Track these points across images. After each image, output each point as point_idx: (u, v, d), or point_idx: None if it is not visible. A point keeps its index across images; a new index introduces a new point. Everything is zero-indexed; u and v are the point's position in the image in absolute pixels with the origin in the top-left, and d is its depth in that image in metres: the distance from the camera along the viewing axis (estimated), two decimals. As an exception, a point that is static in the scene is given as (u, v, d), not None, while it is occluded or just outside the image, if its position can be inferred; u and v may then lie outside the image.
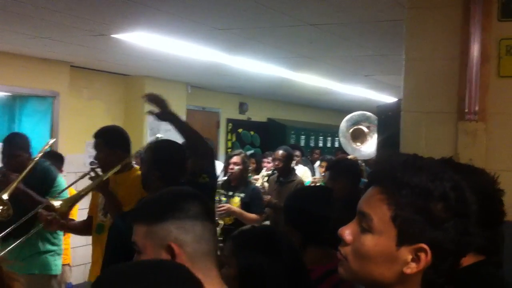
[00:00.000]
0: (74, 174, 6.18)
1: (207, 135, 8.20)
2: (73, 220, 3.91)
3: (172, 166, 2.89)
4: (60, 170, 4.61)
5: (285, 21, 3.71)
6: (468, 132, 2.39)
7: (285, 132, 10.30)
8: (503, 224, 1.63)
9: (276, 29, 4.01)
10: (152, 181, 2.80)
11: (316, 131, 11.40)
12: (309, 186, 5.52)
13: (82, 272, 5.41)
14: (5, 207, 3.49)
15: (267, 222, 5.20)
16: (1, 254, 3.18)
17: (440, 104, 2.52)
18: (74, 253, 5.39)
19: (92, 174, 3.26)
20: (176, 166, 2.94)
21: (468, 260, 1.47)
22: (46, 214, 3.28)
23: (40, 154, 3.92)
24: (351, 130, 5.48)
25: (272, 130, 10.31)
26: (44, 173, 3.90)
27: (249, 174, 5.30)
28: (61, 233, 4.07)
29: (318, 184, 6.26)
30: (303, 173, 7.02)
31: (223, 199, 4.77)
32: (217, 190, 4.71)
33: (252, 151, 8.50)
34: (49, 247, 3.97)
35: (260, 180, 5.79)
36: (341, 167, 3.65)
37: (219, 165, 5.22)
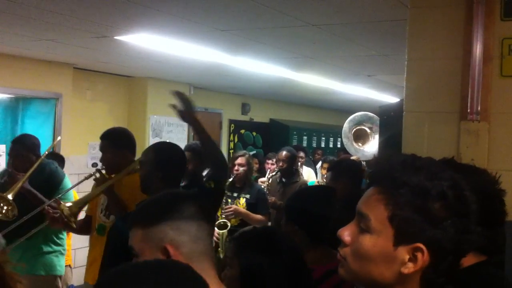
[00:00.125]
0: (77, 175, 6.20)
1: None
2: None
3: (173, 167, 2.90)
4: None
5: (287, 22, 3.71)
6: (470, 132, 2.39)
7: (287, 133, 10.30)
8: (504, 224, 1.63)
9: (278, 30, 4.01)
10: (154, 182, 2.80)
11: (319, 131, 11.39)
12: (313, 186, 5.51)
13: (83, 273, 5.42)
14: (10, 207, 3.50)
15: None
16: (6, 252, 3.17)
17: (442, 104, 2.52)
18: (75, 255, 5.40)
19: (98, 175, 3.26)
20: (177, 167, 2.96)
21: (469, 261, 1.47)
22: (52, 211, 3.30)
23: (46, 153, 3.94)
24: (353, 131, 5.48)
25: (275, 130, 10.31)
26: (51, 175, 3.92)
27: (253, 175, 5.31)
28: (64, 233, 4.08)
29: None
30: (308, 174, 7.02)
31: (228, 200, 4.77)
32: (225, 192, 4.73)
33: (254, 152, 8.50)
34: (54, 247, 3.98)
35: (266, 182, 5.76)
36: (343, 168, 3.65)
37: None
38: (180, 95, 3.00)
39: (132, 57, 5.44)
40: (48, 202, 3.46)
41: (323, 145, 11.37)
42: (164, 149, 3.00)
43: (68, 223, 3.25)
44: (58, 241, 4.00)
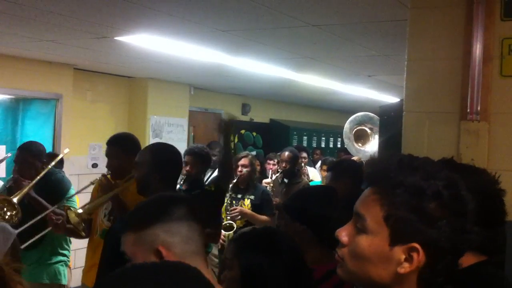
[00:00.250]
0: (77, 176, 6.21)
1: (210, 136, 8.22)
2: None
3: (171, 168, 2.90)
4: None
5: (287, 22, 3.71)
6: (470, 132, 2.39)
7: (288, 133, 10.30)
8: (505, 224, 1.63)
9: (278, 30, 4.01)
10: (152, 184, 2.80)
11: (319, 131, 11.39)
12: (315, 186, 5.52)
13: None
14: (14, 212, 3.49)
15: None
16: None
17: (442, 104, 2.52)
18: (75, 256, 5.40)
19: (103, 180, 3.26)
20: (174, 168, 2.96)
21: (469, 261, 1.47)
22: (55, 217, 3.29)
23: (53, 163, 3.94)
24: (354, 131, 5.48)
25: (275, 131, 10.30)
26: (57, 184, 3.92)
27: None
28: (70, 243, 4.08)
29: None
30: (313, 174, 7.03)
31: (233, 202, 4.76)
32: (230, 193, 4.73)
33: (254, 152, 8.50)
34: (59, 257, 3.98)
35: (271, 183, 5.75)
36: (343, 168, 3.65)
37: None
38: (232, 122, 3.11)
39: (133, 57, 5.44)
40: (55, 207, 3.45)
41: (323, 145, 11.36)
42: (161, 150, 2.99)
43: (75, 230, 3.22)
44: (64, 251, 4.01)
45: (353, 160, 5.05)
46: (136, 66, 6.28)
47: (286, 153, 5.73)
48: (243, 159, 4.88)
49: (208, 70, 6.15)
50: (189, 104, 7.95)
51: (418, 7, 2.59)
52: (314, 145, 10.93)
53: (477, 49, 2.38)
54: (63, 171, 4.14)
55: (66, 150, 4.16)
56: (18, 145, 6.02)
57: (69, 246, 4.08)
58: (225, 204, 4.70)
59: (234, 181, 4.82)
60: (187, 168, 4.22)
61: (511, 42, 2.38)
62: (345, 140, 5.56)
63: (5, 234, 2.78)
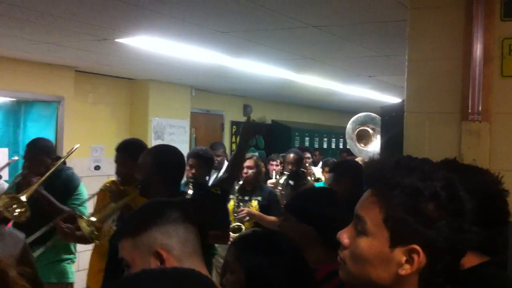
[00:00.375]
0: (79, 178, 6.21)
1: (212, 138, 8.23)
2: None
3: (173, 170, 2.90)
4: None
5: (287, 23, 3.71)
6: (471, 132, 2.39)
7: (289, 134, 10.29)
8: (508, 224, 1.63)
9: (278, 31, 4.01)
10: (154, 186, 2.79)
11: (320, 132, 11.39)
12: (319, 187, 5.52)
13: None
14: (23, 210, 3.48)
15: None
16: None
17: (443, 104, 2.52)
18: (79, 258, 5.39)
19: (114, 187, 3.25)
20: (177, 170, 2.95)
21: (472, 261, 1.47)
22: (64, 226, 3.28)
23: (62, 160, 3.93)
24: (356, 131, 5.48)
25: (277, 132, 10.30)
26: (66, 181, 3.91)
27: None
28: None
29: None
30: (318, 174, 7.03)
31: (240, 204, 4.75)
32: (237, 195, 4.72)
33: (256, 154, 8.50)
34: (67, 255, 3.98)
35: (279, 186, 5.73)
36: (344, 168, 3.65)
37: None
38: (256, 125, 3.12)
39: (134, 59, 5.45)
40: (67, 213, 3.45)
41: (325, 146, 11.36)
42: (162, 152, 2.99)
43: (83, 237, 3.18)
44: (71, 249, 4.00)
45: (354, 161, 5.05)
46: (137, 68, 6.29)
47: (292, 155, 5.74)
48: (248, 161, 4.86)
49: (209, 71, 6.16)
50: (191, 105, 7.96)
51: (417, 8, 2.59)
52: (316, 145, 10.92)
53: (478, 50, 2.38)
54: (72, 168, 4.12)
55: (77, 146, 4.13)
56: (20, 147, 6.06)
57: (75, 244, 4.08)
58: (233, 206, 4.70)
59: (240, 183, 4.80)
60: (192, 171, 4.21)
61: (511, 42, 2.39)
62: (348, 141, 5.56)
63: (14, 239, 2.79)
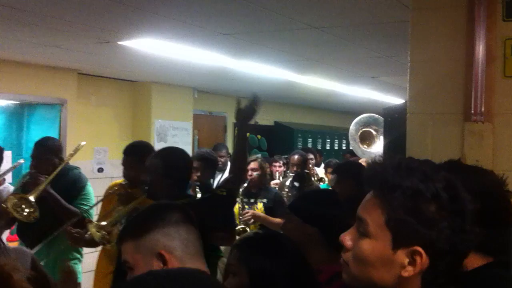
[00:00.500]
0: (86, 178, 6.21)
1: (214, 139, 8.22)
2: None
3: (182, 172, 2.91)
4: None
5: (289, 25, 3.72)
6: (474, 133, 2.38)
7: (292, 136, 10.29)
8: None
9: (281, 33, 4.02)
10: (163, 188, 2.80)
11: (324, 133, 11.38)
12: (322, 189, 5.51)
13: (90, 278, 5.42)
14: (32, 210, 3.48)
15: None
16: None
17: (445, 105, 2.52)
18: (84, 259, 5.39)
19: (122, 190, 3.26)
20: (185, 172, 2.96)
21: (476, 263, 1.47)
22: (74, 231, 3.28)
23: (70, 158, 3.93)
24: (359, 133, 5.48)
25: (279, 133, 10.30)
26: (74, 180, 3.91)
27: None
28: None
29: None
30: (321, 174, 7.02)
31: (246, 206, 4.74)
32: (241, 197, 4.71)
33: (259, 155, 8.49)
34: (74, 254, 3.98)
35: (284, 187, 5.72)
36: (347, 170, 3.66)
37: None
38: (252, 106, 3.10)
39: (136, 62, 5.46)
40: (75, 218, 3.45)
41: (328, 147, 11.35)
42: (172, 155, 2.99)
43: (93, 241, 3.18)
44: (77, 249, 3.99)
45: (357, 162, 5.05)
46: (140, 70, 6.30)
47: (296, 157, 5.74)
48: (252, 163, 4.84)
49: (211, 73, 6.16)
50: (193, 107, 7.96)
51: (419, 9, 2.59)
52: (319, 147, 10.91)
53: (480, 50, 2.38)
54: (80, 168, 4.12)
55: (83, 143, 4.13)
56: (23, 150, 6.07)
57: None
58: (238, 208, 4.69)
59: (245, 185, 4.79)
60: (197, 173, 4.20)
61: (513, 43, 2.39)
62: (351, 142, 5.56)
63: (22, 255, 2.81)
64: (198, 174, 4.20)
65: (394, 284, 1.09)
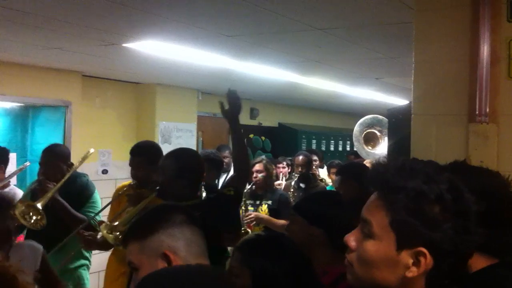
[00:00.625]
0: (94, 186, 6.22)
1: (219, 141, 8.22)
2: None
3: (195, 173, 2.91)
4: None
5: (292, 26, 3.72)
6: (479, 134, 2.38)
7: (296, 137, 10.29)
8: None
9: (284, 34, 4.02)
10: (177, 189, 2.81)
11: (328, 135, 11.37)
12: (328, 191, 5.51)
13: (96, 279, 5.43)
14: (39, 217, 3.47)
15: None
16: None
17: (450, 106, 2.51)
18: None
19: (131, 191, 3.26)
20: (198, 173, 2.97)
21: (481, 263, 1.47)
22: (87, 234, 3.28)
23: (78, 165, 3.92)
24: (363, 134, 5.47)
25: (283, 134, 10.30)
26: (81, 188, 3.90)
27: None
28: None
29: None
30: (324, 176, 7.03)
31: (251, 208, 4.74)
32: (244, 199, 4.71)
33: (263, 157, 8.50)
34: (82, 260, 3.98)
35: (290, 187, 5.72)
36: (350, 171, 3.65)
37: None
38: (232, 95, 2.99)
39: (140, 64, 5.47)
40: (84, 224, 3.45)
41: (332, 148, 11.34)
42: (185, 156, 3.00)
43: (105, 243, 3.17)
44: (86, 254, 4.00)
45: (361, 163, 5.05)
46: (144, 72, 6.31)
47: (301, 157, 5.74)
48: (257, 165, 4.84)
49: (215, 75, 6.17)
50: (197, 109, 7.97)
51: (423, 9, 2.59)
52: (323, 148, 10.91)
53: (484, 51, 2.37)
54: (88, 175, 4.13)
55: (92, 150, 4.13)
56: (28, 152, 6.10)
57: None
58: (241, 210, 4.69)
59: (249, 187, 4.78)
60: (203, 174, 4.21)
61: (518, 43, 2.38)
62: (355, 143, 5.56)
63: (34, 251, 2.83)
64: (204, 174, 4.20)
65: (398, 284, 1.09)
